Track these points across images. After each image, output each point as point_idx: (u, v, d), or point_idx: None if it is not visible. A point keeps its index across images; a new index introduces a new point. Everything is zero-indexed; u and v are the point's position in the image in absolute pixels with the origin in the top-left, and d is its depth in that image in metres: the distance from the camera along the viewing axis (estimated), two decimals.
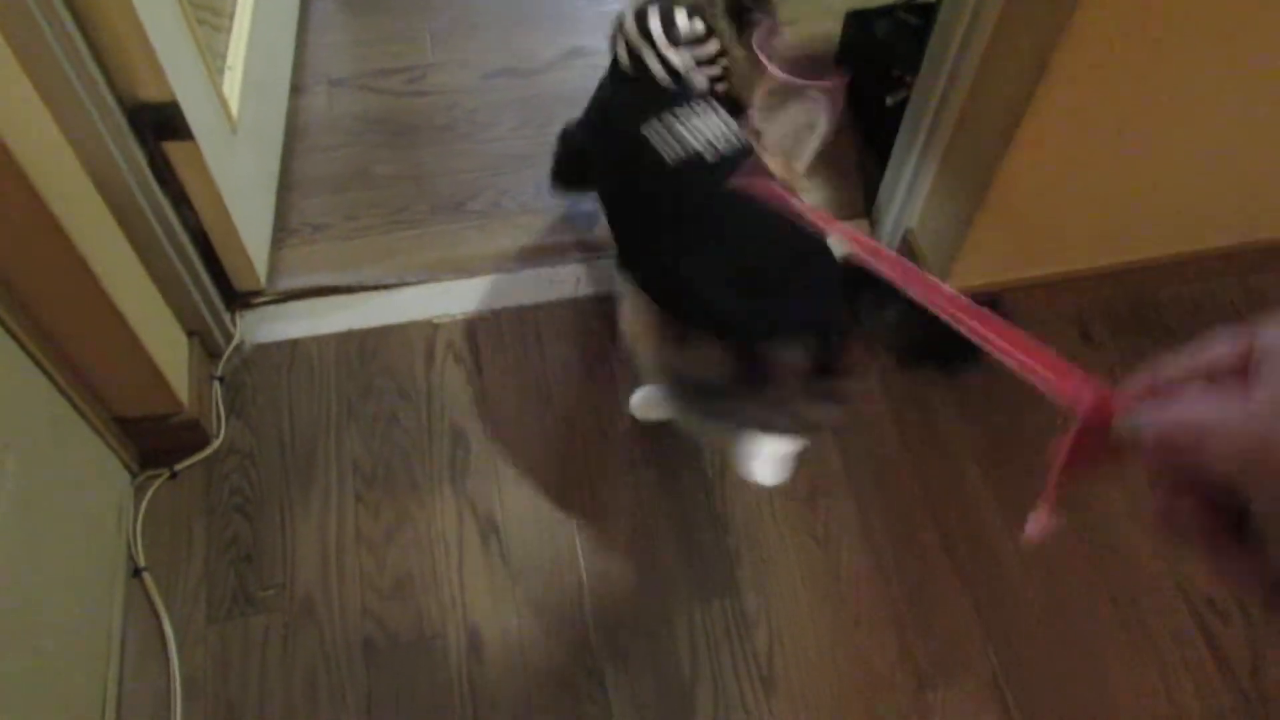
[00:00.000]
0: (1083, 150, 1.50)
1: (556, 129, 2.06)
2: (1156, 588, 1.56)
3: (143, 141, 1.39)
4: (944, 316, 0.55)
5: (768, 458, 1.47)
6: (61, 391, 1.37)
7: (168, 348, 1.52)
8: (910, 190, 1.77)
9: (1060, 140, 1.47)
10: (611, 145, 1.41)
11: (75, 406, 1.41)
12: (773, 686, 1.46)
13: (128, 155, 1.34)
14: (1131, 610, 1.54)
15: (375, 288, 1.82)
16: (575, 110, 2.10)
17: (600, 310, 1.81)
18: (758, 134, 1.42)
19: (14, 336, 1.26)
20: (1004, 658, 1.50)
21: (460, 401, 1.70)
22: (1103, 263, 1.79)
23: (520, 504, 1.60)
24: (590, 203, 1.92)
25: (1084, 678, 1.49)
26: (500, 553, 1.55)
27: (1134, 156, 1.55)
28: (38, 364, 1.31)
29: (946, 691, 1.47)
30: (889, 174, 1.83)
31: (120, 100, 1.33)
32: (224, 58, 1.68)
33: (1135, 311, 1.85)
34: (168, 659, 1.44)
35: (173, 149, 1.46)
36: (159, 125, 1.41)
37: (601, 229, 1.89)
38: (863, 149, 2.06)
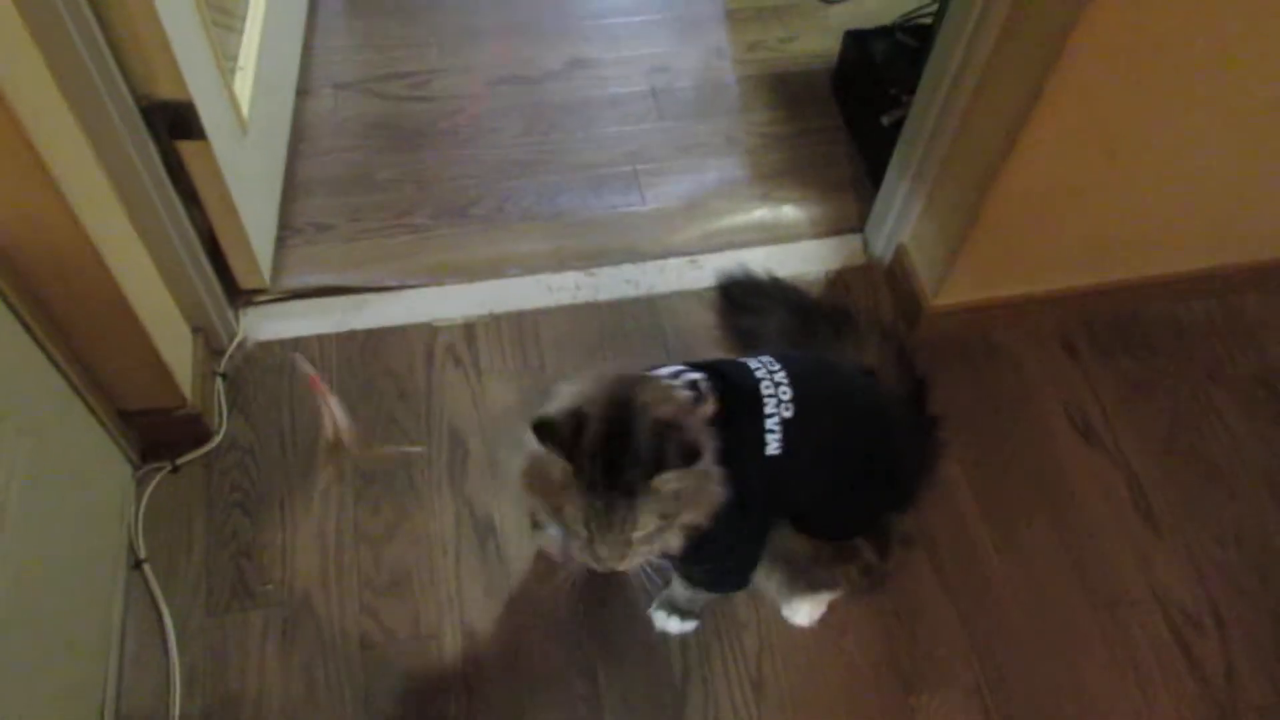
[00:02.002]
0: (1074, 173, 1.55)
1: (558, 137, 2.11)
2: (1134, 599, 1.60)
3: (157, 139, 1.41)
4: None
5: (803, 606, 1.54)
6: (68, 381, 1.39)
7: (173, 342, 1.54)
8: (904, 207, 1.81)
9: (1052, 163, 1.51)
10: None
11: (81, 396, 1.42)
12: (761, 689, 1.49)
13: (142, 152, 1.37)
14: (1110, 620, 1.58)
15: (377, 289, 1.85)
16: (578, 119, 2.14)
17: (599, 317, 1.84)
18: None
19: (25, 325, 1.28)
20: (986, 666, 1.53)
21: (459, 404, 1.72)
22: (1088, 281, 1.83)
23: (517, 506, 1.62)
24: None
25: (1063, 687, 1.53)
26: (498, 554, 1.57)
27: (1122, 181, 1.59)
28: (46, 353, 1.33)
29: (930, 697, 1.50)
30: (883, 191, 1.88)
31: (137, 98, 1.35)
32: (235, 59, 1.71)
33: (1118, 328, 1.90)
34: (167, 651, 1.46)
35: (185, 148, 1.48)
36: (173, 124, 1.43)
37: None
38: (858, 166, 2.10)
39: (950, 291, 1.78)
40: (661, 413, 1.08)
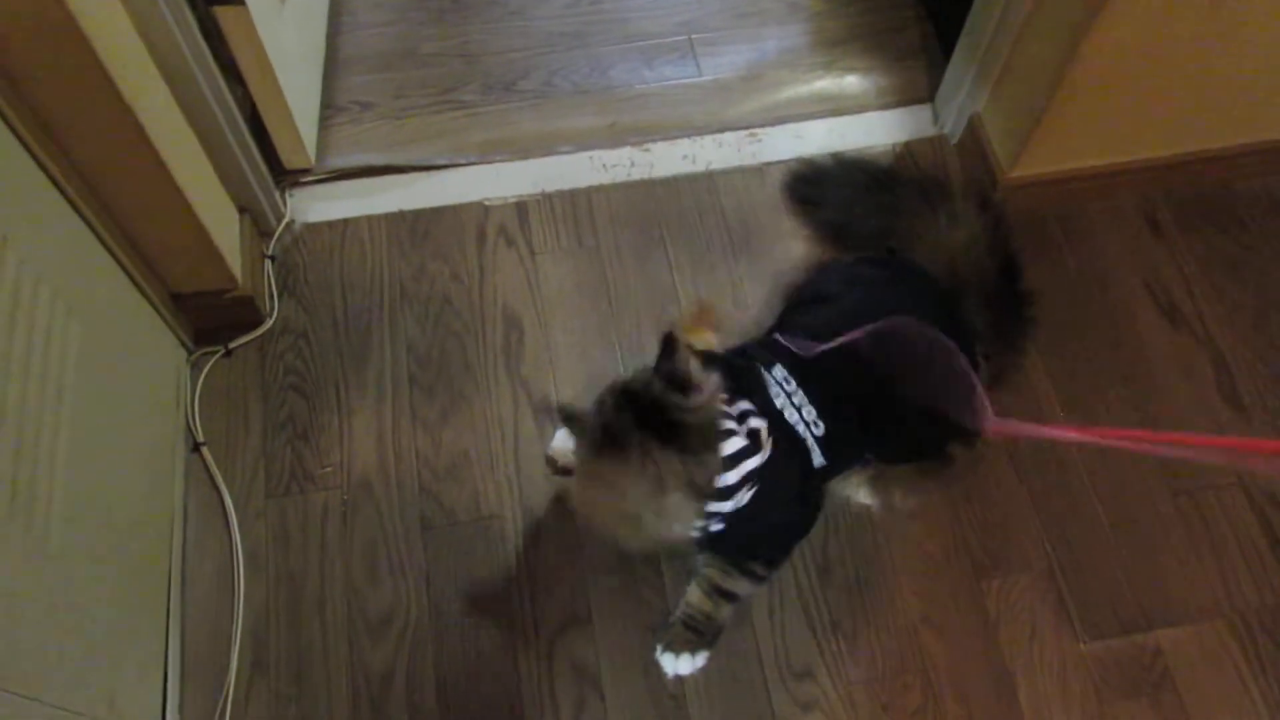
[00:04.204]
0: (1172, 25, 1.43)
1: (609, 6, 2.00)
2: (1217, 482, 1.54)
3: (193, 4, 1.34)
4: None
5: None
6: (120, 264, 1.36)
7: (221, 222, 1.50)
8: (980, 73, 1.70)
9: (1149, 14, 1.39)
10: None
11: (133, 280, 1.40)
12: (828, 573, 1.46)
13: (179, 18, 1.30)
14: (1191, 504, 1.52)
15: (425, 168, 1.78)
16: None
17: (655, 194, 1.77)
18: None
19: (75, 207, 1.24)
20: (1060, 550, 1.49)
21: (513, 284, 1.67)
22: (1177, 151, 1.71)
23: (574, 387, 1.58)
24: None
25: (1141, 570, 1.48)
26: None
27: (1225, 33, 1.46)
28: (96, 235, 1.30)
29: (1003, 580, 1.47)
30: (957, 55, 1.76)
31: None
32: None
33: (1205, 202, 1.78)
34: (229, 532, 1.46)
35: (223, 14, 1.41)
36: None
37: None
38: (927, 31, 1.97)
39: (1028, 163, 1.68)
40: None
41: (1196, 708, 1.39)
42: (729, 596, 1.32)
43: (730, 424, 1.16)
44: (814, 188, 1.71)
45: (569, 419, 1.18)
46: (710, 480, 1.12)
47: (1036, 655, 1.42)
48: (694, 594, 1.34)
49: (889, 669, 1.40)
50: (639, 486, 1.09)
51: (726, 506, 1.15)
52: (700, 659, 1.36)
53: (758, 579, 1.32)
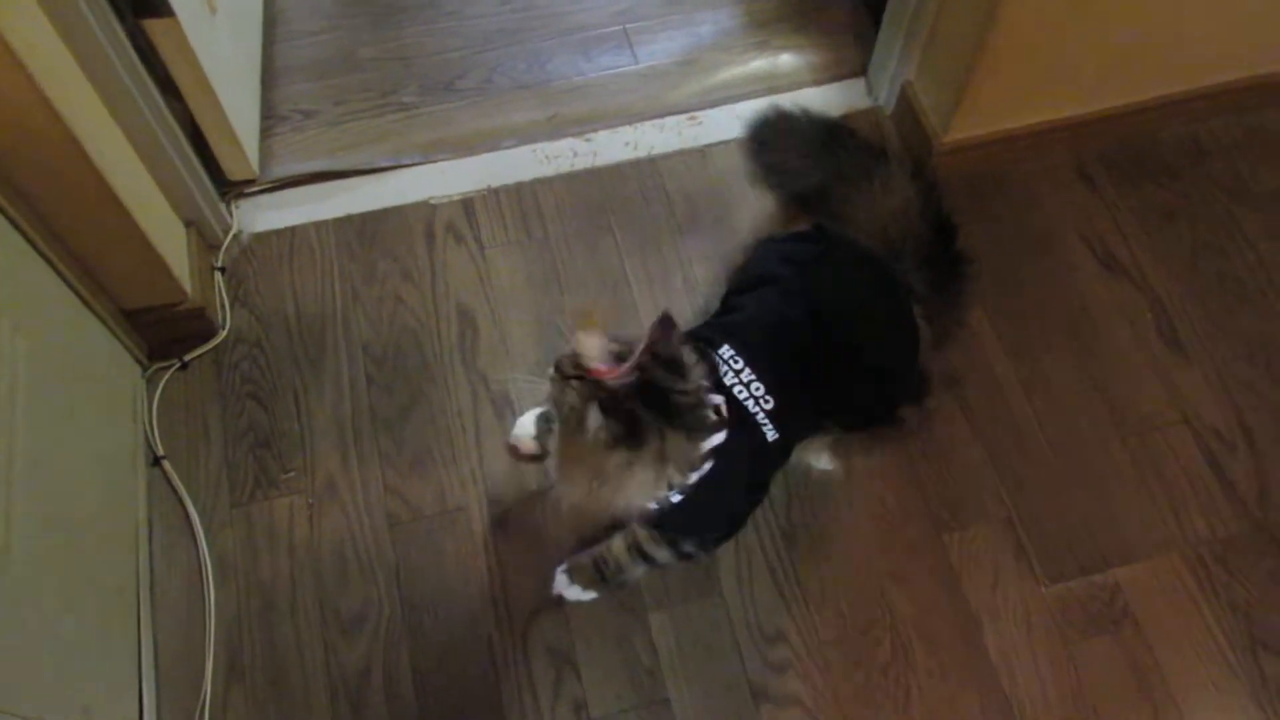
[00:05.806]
0: None
1: (543, 1, 2.02)
2: (1164, 423, 1.58)
3: (122, 18, 1.35)
4: None
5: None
6: (67, 283, 1.36)
7: (167, 236, 1.50)
8: (907, 42, 1.73)
9: None
10: None
11: (81, 298, 1.39)
12: (793, 538, 1.49)
13: (109, 33, 1.30)
14: (1140, 446, 1.57)
15: (370, 171, 1.79)
16: None
17: (599, 182, 1.79)
18: None
19: (17, 227, 1.24)
20: (1017, 500, 1.52)
21: (464, 281, 1.69)
22: (1101, 106, 1.76)
23: (530, 376, 1.60)
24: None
25: (1096, 514, 1.52)
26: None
27: None
28: (41, 254, 1.29)
29: (963, 533, 1.50)
30: (885, 26, 1.79)
31: None
32: None
33: (1135, 154, 1.83)
34: (196, 543, 1.46)
35: (153, 27, 1.42)
36: (137, 0, 1.37)
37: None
38: (856, 5, 2.01)
39: (960, 127, 1.71)
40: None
41: (1157, 639, 1.43)
42: (647, 559, 1.35)
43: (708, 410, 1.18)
44: (775, 132, 1.66)
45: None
46: (698, 457, 1.15)
47: (1000, 601, 1.45)
48: (617, 543, 1.36)
49: (858, 626, 1.43)
50: (647, 468, 1.10)
51: (691, 479, 1.17)
52: (589, 595, 1.42)
53: (683, 555, 1.34)
